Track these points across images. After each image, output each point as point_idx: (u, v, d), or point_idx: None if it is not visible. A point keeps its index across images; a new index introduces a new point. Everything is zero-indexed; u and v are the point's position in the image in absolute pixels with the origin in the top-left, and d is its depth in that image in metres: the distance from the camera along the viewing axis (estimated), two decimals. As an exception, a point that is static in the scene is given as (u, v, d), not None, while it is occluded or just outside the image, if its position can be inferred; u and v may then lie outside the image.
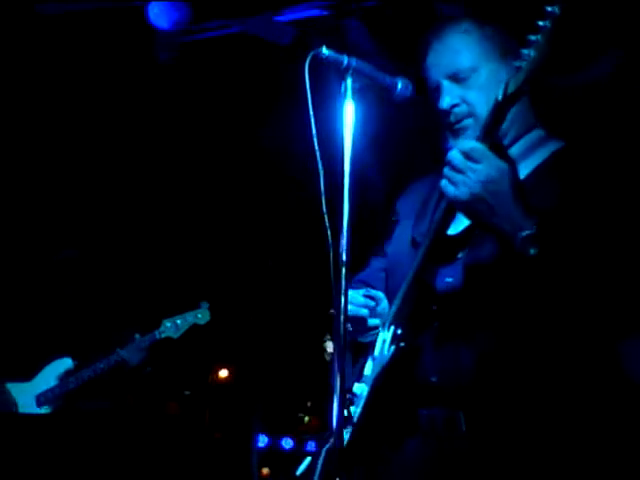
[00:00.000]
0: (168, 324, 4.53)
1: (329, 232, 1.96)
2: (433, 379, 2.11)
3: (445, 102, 2.21)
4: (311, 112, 1.99)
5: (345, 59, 2.04)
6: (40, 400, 4.48)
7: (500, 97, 1.99)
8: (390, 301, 2.26)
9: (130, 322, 4.72)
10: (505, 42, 2.23)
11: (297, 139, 2.57)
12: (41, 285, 4.75)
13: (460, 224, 2.19)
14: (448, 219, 2.12)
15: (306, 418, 7.57)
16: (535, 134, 2.26)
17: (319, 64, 2.04)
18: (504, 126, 2.15)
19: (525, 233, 1.91)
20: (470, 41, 2.22)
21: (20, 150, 5.41)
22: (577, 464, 1.96)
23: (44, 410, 4.44)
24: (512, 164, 1.98)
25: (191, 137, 5.71)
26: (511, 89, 1.97)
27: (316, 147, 1.99)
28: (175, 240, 6.34)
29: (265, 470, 6.78)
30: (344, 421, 2.04)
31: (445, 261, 2.17)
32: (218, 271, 6.66)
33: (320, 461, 2.13)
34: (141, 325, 4.62)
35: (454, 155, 1.98)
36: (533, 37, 1.92)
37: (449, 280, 2.15)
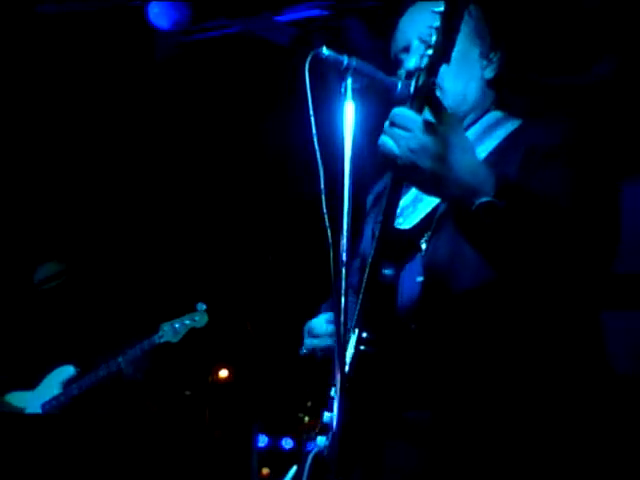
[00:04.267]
0: (166, 328, 4.51)
1: (329, 232, 1.96)
2: (413, 382, 2.08)
3: (411, 62, 2.17)
4: (311, 112, 1.99)
5: (345, 59, 2.04)
6: (45, 408, 4.49)
7: (412, 90, 1.88)
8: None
9: (129, 327, 4.71)
10: (481, 27, 2.24)
11: (297, 139, 2.57)
12: (38, 294, 4.75)
13: (415, 216, 2.15)
14: (395, 197, 1.95)
15: (306, 418, 7.57)
16: (492, 115, 2.26)
17: (319, 64, 2.03)
18: (463, 109, 2.19)
19: (481, 200, 1.78)
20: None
21: (19, 149, 5.42)
22: (564, 463, 1.96)
23: None
24: (460, 130, 1.85)
25: (191, 137, 5.71)
26: (420, 83, 1.85)
27: (316, 147, 1.98)
28: (173, 240, 6.34)
29: (265, 470, 6.78)
30: (323, 428, 2.06)
31: (408, 259, 2.13)
32: (218, 271, 6.66)
33: (307, 467, 2.10)
34: (139, 330, 4.61)
35: (386, 124, 1.84)
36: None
37: (420, 279, 2.11)
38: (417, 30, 2.19)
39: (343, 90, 2.04)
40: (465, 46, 2.18)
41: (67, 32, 4.57)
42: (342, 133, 2.00)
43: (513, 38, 2.42)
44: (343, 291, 1.90)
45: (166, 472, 4.33)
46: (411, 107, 1.84)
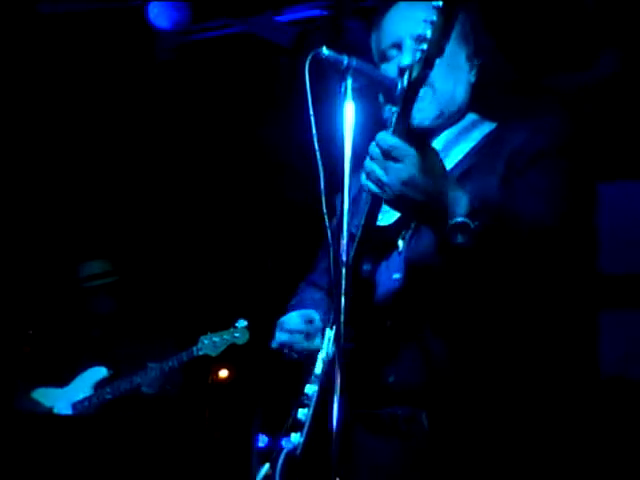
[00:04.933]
0: (205, 341, 4.50)
1: (329, 232, 1.96)
2: (390, 379, 2.10)
3: (406, 60, 2.13)
4: (311, 112, 1.99)
5: (345, 59, 2.04)
6: (76, 407, 4.50)
7: (405, 83, 1.90)
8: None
9: (166, 337, 4.73)
10: (467, 31, 2.26)
11: (297, 139, 2.57)
12: (80, 290, 4.76)
13: (393, 214, 2.16)
14: (376, 209, 2.02)
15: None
16: (468, 118, 2.29)
17: (319, 64, 2.03)
18: (450, 110, 2.21)
19: (454, 221, 1.85)
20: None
21: (22, 151, 5.42)
22: (536, 459, 1.98)
23: None
24: (435, 154, 1.89)
25: (191, 137, 5.71)
26: (414, 75, 1.87)
27: (316, 147, 1.98)
28: (172, 240, 6.34)
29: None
30: (295, 425, 2.06)
31: (386, 255, 2.15)
32: (218, 271, 6.66)
33: (279, 465, 2.09)
34: (176, 341, 4.63)
35: (373, 150, 1.87)
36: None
37: (397, 276, 2.13)
38: (409, 27, 2.20)
39: (343, 90, 2.04)
40: (454, 48, 2.20)
41: (67, 32, 4.57)
42: (342, 133, 2.00)
43: (501, 41, 2.46)
44: (343, 291, 1.90)
45: (166, 472, 4.33)
46: (400, 114, 1.87)
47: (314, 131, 1.99)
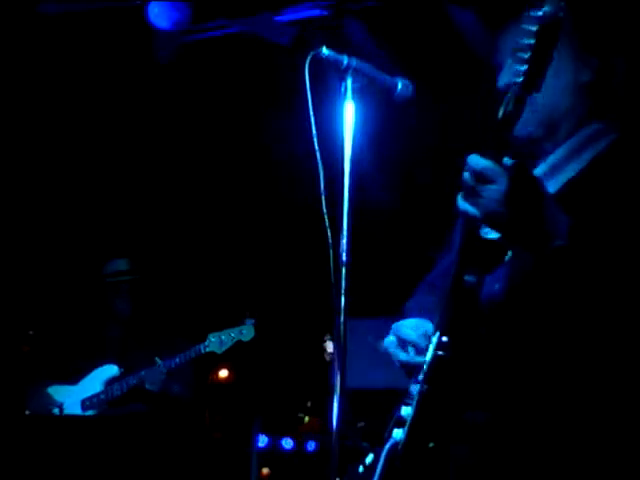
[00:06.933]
0: (213, 339, 4.55)
1: (329, 232, 1.96)
2: (481, 385, 2.10)
3: (503, 79, 2.09)
4: (311, 112, 1.99)
5: (345, 59, 2.04)
6: (85, 404, 4.56)
7: (500, 114, 1.86)
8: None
9: (176, 334, 4.76)
10: (573, 27, 2.07)
11: (297, 139, 2.57)
12: (103, 284, 4.80)
13: None
14: (474, 227, 2.03)
15: (306, 418, 7.57)
16: (591, 128, 2.14)
17: (319, 64, 2.03)
18: (555, 117, 2.11)
19: (556, 244, 1.84)
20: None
21: (20, 151, 5.43)
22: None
23: (88, 414, 4.52)
24: (528, 173, 1.89)
25: (191, 137, 5.71)
26: (509, 109, 1.84)
27: (316, 147, 1.98)
28: (182, 243, 6.36)
29: (265, 470, 6.78)
30: (398, 422, 2.07)
31: (491, 266, 2.13)
32: (218, 271, 6.66)
33: (382, 458, 2.11)
34: (185, 338, 4.67)
35: (467, 171, 1.87)
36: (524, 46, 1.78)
37: (497, 287, 2.11)
38: (511, 46, 2.02)
39: (343, 90, 2.04)
40: (562, 63, 2.06)
41: (67, 32, 4.57)
42: (342, 133, 2.00)
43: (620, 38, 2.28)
44: (343, 291, 1.90)
45: (165, 472, 4.34)
46: (496, 136, 1.86)
47: (314, 131, 1.99)
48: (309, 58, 2.02)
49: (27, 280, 5.88)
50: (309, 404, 7.56)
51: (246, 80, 5.07)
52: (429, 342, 2.09)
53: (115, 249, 5.08)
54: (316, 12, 4.32)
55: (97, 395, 4.55)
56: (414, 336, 2.17)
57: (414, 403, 2.07)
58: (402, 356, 2.17)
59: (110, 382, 4.57)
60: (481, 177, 1.82)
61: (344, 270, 1.92)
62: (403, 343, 2.19)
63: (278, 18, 4.40)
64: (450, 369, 2.00)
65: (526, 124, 2.02)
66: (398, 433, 2.09)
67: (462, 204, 1.87)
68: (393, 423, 2.12)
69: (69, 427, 4.05)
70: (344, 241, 1.93)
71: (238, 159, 5.83)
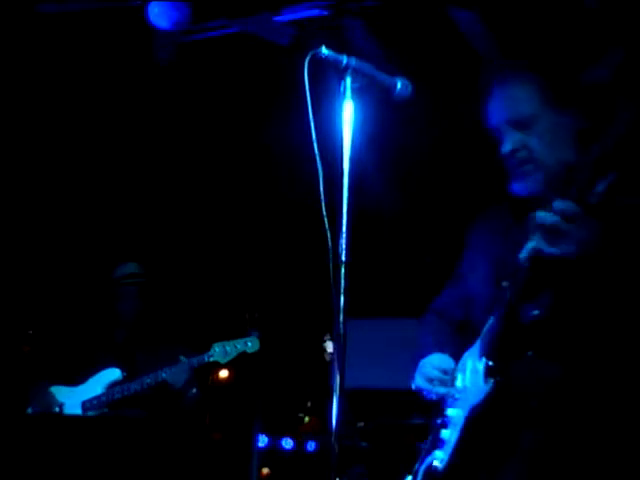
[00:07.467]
0: (217, 349, 4.57)
1: (329, 234, 1.96)
2: (533, 404, 2.20)
3: (506, 147, 2.31)
4: (310, 112, 1.99)
5: (344, 59, 2.04)
6: (86, 406, 4.58)
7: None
8: (473, 330, 2.38)
9: (181, 342, 4.78)
10: (563, 91, 2.32)
11: (297, 139, 2.57)
12: (110, 297, 4.82)
13: None
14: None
15: (306, 418, 7.58)
16: None
17: (318, 64, 2.03)
18: (542, 186, 2.29)
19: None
20: (531, 90, 2.30)
21: (23, 155, 5.44)
22: None
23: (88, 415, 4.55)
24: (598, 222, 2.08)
25: (191, 136, 5.71)
26: (601, 189, 2.06)
27: (315, 147, 1.98)
28: (186, 250, 6.37)
29: (265, 470, 6.78)
30: (437, 443, 2.27)
31: (530, 295, 2.26)
32: (218, 271, 6.66)
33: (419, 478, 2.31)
34: (191, 346, 4.69)
35: (546, 217, 2.07)
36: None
37: (535, 313, 2.22)
38: (506, 116, 2.32)
39: (342, 90, 2.04)
40: (552, 116, 2.29)
41: (67, 32, 4.57)
42: (341, 132, 2.00)
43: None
44: (342, 290, 1.90)
45: (165, 472, 4.34)
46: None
47: (313, 130, 1.99)
48: (308, 58, 2.02)
49: (35, 282, 5.90)
50: (309, 404, 7.57)
51: (246, 80, 5.07)
52: (454, 374, 2.35)
53: (123, 253, 5.09)
54: (315, 12, 4.32)
55: (98, 397, 4.57)
56: (439, 374, 2.41)
57: (456, 425, 2.26)
58: (440, 390, 2.40)
59: (112, 385, 4.59)
60: (565, 216, 2.03)
61: (343, 270, 1.92)
62: (430, 380, 2.41)
63: (277, 18, 4.40)
64: (502, 392, 2.18)
65: (531, 188, 2.31)
66: (439, 454, 2.28)
67: (542, 245, 2.09)
68: (431, 444, 2.33)
69: (68, 426, 4.06)
70: (343, 241, 1.93)
71: (237, 160, 5.83)
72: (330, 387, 1.97)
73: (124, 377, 4.61)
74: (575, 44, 4.00)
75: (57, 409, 4.57)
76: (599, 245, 2.05)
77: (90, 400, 4.59)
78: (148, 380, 4.52)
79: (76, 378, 4.66)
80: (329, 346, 6.61)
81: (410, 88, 2.16)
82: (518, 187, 2.31)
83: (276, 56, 4.58)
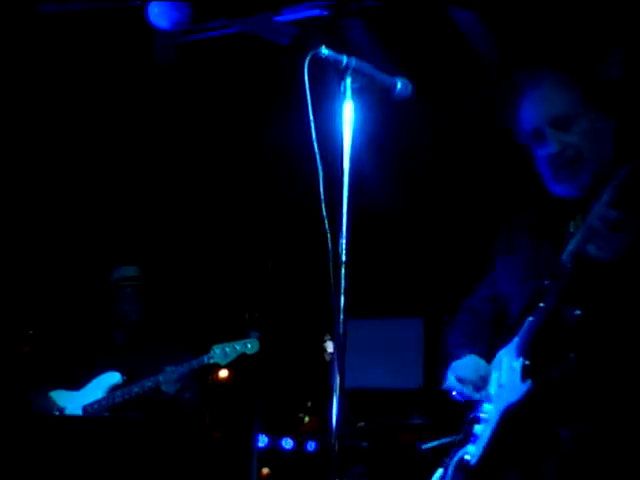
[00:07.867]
0: (217, 351, 4.57)
1: (329, 234, 1.96)
2: (574, 405, 2.20)
3: (552, 148, 2.30)
4: (310, 112, 1.99)
5: (344, 59, 2.04)
6: (87, 410, 4.57)
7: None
8: (507, 329, 2.39)
9: (181, 344, 4.78)
10: (597, 90, 2.33)
11: (297, 139, 2.57)
12: (109, 301, 4.82)
13: None
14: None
15: (306, 418, 7.57)
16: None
17: (318, 64, 2.03)
18: (589, 181, 2.30)
19: None
20: (568, 89, 2.32)
21: (23, 156, 5.44)
22: None
23: None
24: None
25: (190, 137, 5.71)
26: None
27: (315, 147, 1.98)
28: (186, 253, 6.37)
29: (265, 470, 6.78)
30: (469, 437, 2.29)
31: (572, 295, 2.27)
32: (218, 272, 6.66)
33: (450, 471, 2.34)
34: (189, 348, 4.69)
35: (596, 223, 2.10)
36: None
37: (577, 313, 2.23)
38: (546, 116, 2.32)
39: (342, 89, 2.04)
40: (592, 115, 2.30)
41: (67, 32, 4.57)
42: (341, 132, 2.00)
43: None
44: (342, 290, 1.90)
45: (165, 472, 4.34)
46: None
47: (313, 130, 1.99)
48: (308, 58, 2.02)
49: (35, 285, 5.90)
50: (309, 404, 7.57)
51: (246, 80, 5.07)
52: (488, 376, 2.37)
53: (123, 255, 5.09)
54: (315, 12, 4.32)
55: (99, 401, 4.57)
56: (473, 377, 2.42)
57: (489, 421, 2.27)
58: (473, 395, 2.41)
59: (113, 389, 4.59)
60: (610, 223, 2.07)
61: (343, 270, 1.92)
62: (462, 381, 2.43)
63: (277, 18, 4.40)
64: (541, 392, 2.19)
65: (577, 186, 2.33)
66: (472, 448, 2.30)
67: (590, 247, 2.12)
68: (464, 438, 2.35)
69: (69, 427, 4.05)
70: (343, 241, 1.93)
71: (237, 160, 5.83)
72: (330, 387, 1.97)
73: (124, 381, 4.61)
74: (575, 44, 4.00)
75: (57, 413, 4.57)
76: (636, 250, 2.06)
77: (91, 404, 4.59)
78: (149, 383, 4.52)
79: (75, 381, 4.66)
80: (329, 346, 6.61)
81: (410, 88, 2.16)
82: (563, 188, 2.31)
83: (276, 56, 4.58)
